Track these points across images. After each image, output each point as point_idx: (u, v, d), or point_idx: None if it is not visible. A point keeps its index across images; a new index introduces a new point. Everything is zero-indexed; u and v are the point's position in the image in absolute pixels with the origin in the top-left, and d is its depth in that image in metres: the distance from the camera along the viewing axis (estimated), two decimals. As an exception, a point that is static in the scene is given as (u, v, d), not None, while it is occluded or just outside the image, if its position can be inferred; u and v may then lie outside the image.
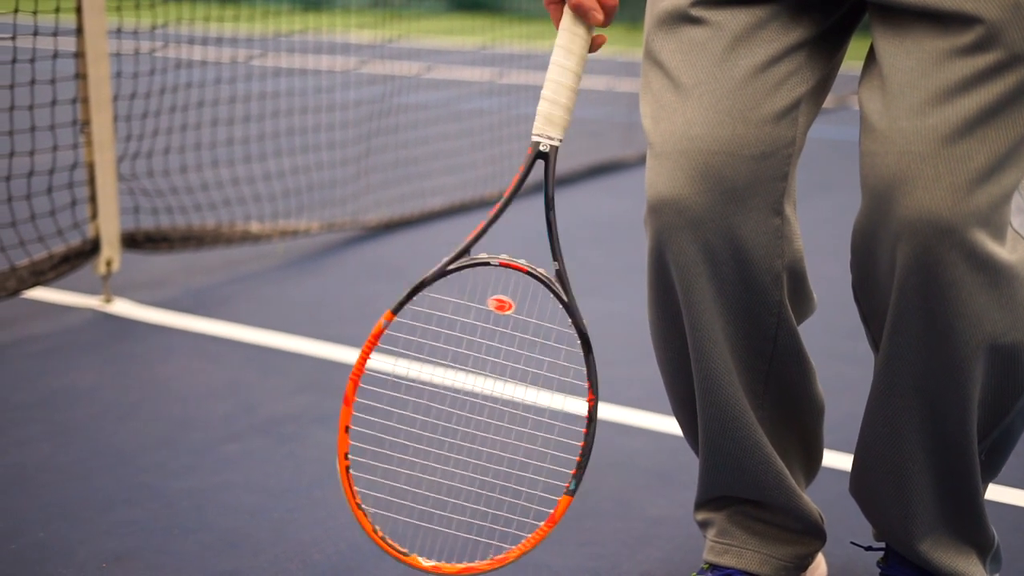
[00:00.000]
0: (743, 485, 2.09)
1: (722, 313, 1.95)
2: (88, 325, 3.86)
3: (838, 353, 3.48)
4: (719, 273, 1.92)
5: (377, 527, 2.00)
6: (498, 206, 1.99)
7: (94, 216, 3.99)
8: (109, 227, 4.00)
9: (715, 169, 1.88)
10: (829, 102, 8.34)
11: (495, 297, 1.95)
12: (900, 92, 1.78)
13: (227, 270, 4.54)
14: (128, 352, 3.65)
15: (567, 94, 1.95)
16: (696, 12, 1.91)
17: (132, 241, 4.19)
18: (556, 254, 2.00)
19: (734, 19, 1.89)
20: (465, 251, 1.97)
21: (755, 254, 1.92)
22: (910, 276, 1.78)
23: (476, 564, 2.01)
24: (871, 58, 1.87)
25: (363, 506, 1.99)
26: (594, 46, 1.95)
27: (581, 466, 1.98)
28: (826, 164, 6.39)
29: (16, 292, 3.77)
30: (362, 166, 5.81)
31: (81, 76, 3.88)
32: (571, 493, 1.99)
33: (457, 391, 2.19)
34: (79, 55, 3.87)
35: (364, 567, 2.36)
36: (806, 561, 2.18)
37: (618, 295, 4.27)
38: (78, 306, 4.01)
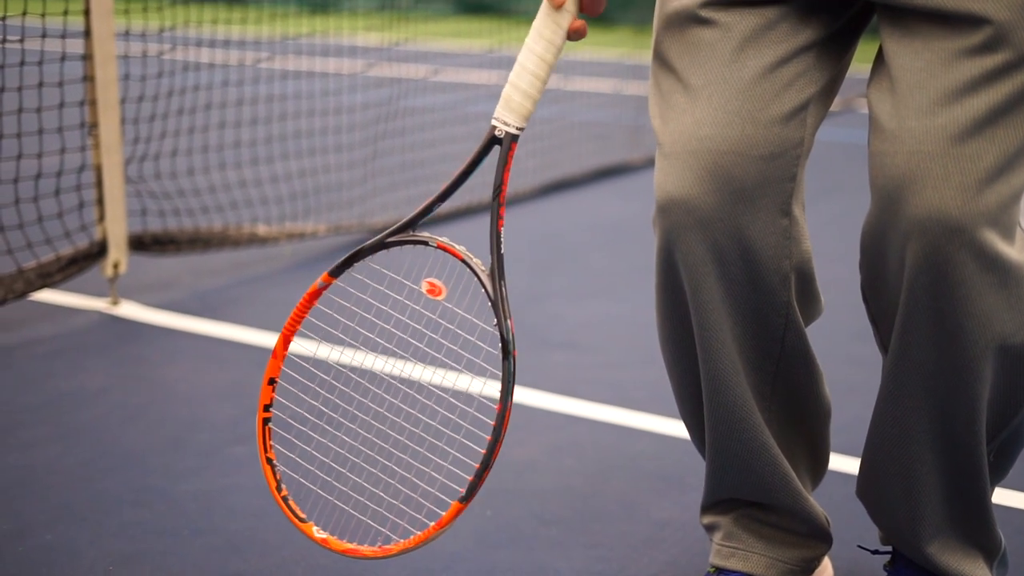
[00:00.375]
0: (750, 487, 2.09)
1: (730, 313, 1.95)
2: (95, 327, 3.87)
3: (846, 356, 3.48)
4: (727, 273, 1.92)
5: (283, 487, 2.01)
6: (446, 186, 1.95)
7: (101, 218, 3.99)
8: (116, 229, 4.01)
9: (724, 169, 1.88)
10: (836, 105, 8.33)
11: (429, 280, 1.91)
12: (909, 92, 1.78)
13: (234, 273, 4.55)
14: (135, 354, 3.65)
15: (528, 79, 1.87)
16: (705, 13, 1.91)
17: (139, 243, 4.19)
18: (493, 247, 1.91)
19: (743, 20, 1.89)
20: (408, 226, 1.95)
21: (763, 254, 1.92)
22: (919, 275, 1.78)
23: (362, 548, 1.96)
24: (880, 59, 1.87)
25: (272, 461, 2.00)
26: (572, 33, 1.87)
27: (478, 474, 1.86)
28: (834, 167, 6.38)
29: (23, 294, 3.77)
30: (369, 169, 5.81)
31: (89, 78, 3.89)
32: (463, 500, 1.87)
33: (383, 373, 2.17)
34: (87, 57, 3.88)
35: (370, 570, 2.36)
36: (812, 564, 2.17)
37: (625, 297, 4.26)
38: (85, 308, 4.02)
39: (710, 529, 2.21)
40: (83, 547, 2.43)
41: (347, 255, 1.98)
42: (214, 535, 2.49)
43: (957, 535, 2.00)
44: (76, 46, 3.99)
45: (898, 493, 1.99)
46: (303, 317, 2.02)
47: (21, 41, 3.93)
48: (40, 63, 4.07)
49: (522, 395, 3.26)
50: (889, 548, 2.19)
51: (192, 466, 2.82)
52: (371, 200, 5.52)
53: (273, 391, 2.02)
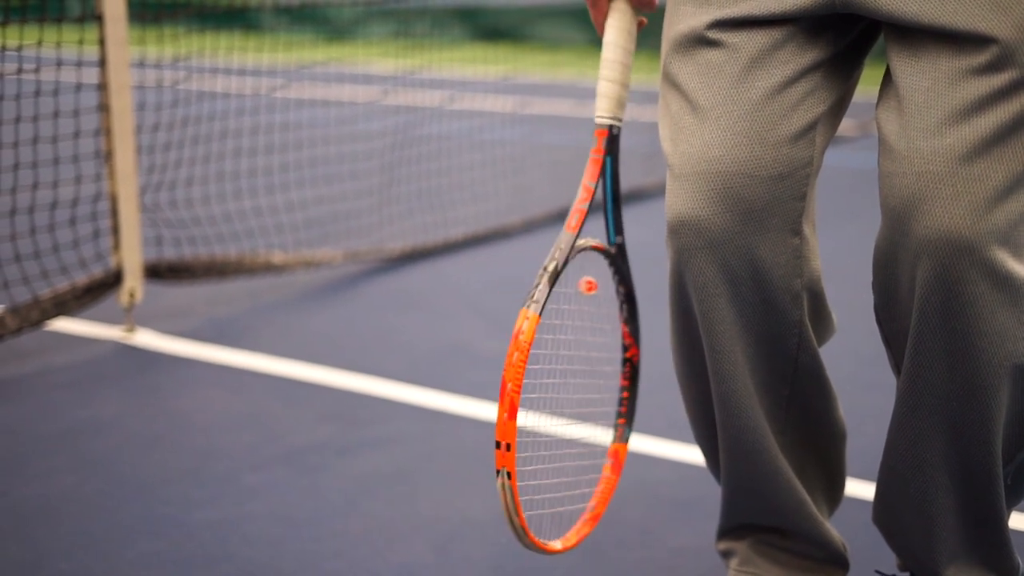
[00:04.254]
0: (765, 512, 2.08)
1: (742, 335, 1.95)
2: (111, 356, 3.87)
3: (862, 381, 3.46)
4: (739, 294, 1.92)
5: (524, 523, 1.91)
6: (592, 193, 2.04)
7: (117, 247, 4.00)
8: (132, 258, 4.01)
9: (734, 190, 1.88)
10: (852, 130, 8.32)
11: (587, 279, 2.03)
12: (917, 112, 1.78)
13: (249, 300, 4.55)
14: (151, 383, 3.66)
15: (630, 76, 2.06)
16: (713, 35, 1.91)
17: (155, 272, 4.20)
18: (621, 228, 2.17)
19: (750, 41, 1.90)
20: (575, 239, 2.03)
21: (774, 274, 1.92)
22: (931, 295, 1.78)
23: (579, 528, 2.10)
24: (887, 79, 1.87)
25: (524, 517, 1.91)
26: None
27: (628, 416, 2.14)
28: (849, 192, 6.37)
29: (39, 323, 3.78)
30: (384, 196, 5.82)
31: (104, 108, 3.90)
32: (624, 441, 2.15)
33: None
34: (102, 87, 3.89)
35: (386, 598, 2.35)
36: (830, 590, 2.16)
37: (641, 323, 4.25)
38: (101, 337, 4.02)
39: (726, 555, 2.19)
40: (98, 576, 2.43)
41: (548, 284, 1.89)
42: (229, 564, 2.49)
43: (973, 560, 1.99)
44: (91, 75, 4.01)
45: (913, 517, 1.98)
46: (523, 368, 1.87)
47: (36, 71, 3.95)
48: (55, 93, 4.09)
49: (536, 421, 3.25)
50: (906, 574, 2.18)
51: (208, 495, 2.81)
52: (386, 227, 5.52)
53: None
